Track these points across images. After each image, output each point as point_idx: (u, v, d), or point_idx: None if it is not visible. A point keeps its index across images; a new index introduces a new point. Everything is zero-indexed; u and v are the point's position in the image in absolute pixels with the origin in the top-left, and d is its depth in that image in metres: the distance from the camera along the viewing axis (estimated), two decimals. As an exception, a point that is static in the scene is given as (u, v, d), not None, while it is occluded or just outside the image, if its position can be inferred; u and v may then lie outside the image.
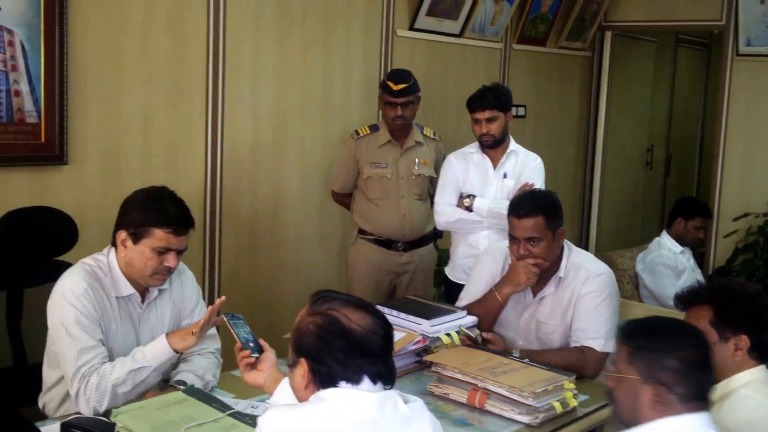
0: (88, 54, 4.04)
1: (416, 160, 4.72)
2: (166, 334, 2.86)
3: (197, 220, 2.98)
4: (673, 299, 2.73)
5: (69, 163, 4.00)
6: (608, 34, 7.60)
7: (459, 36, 6.08)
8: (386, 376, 1.98)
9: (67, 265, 3.14)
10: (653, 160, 8.92)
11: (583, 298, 3.36)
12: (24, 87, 3.79)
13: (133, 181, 4.15)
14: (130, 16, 4.20)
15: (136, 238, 2.83)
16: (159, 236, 2.81)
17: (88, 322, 2.77)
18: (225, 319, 2.67)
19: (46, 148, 3.90)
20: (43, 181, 3.95)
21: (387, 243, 4.71)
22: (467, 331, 3.31)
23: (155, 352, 2.80)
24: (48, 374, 2.95)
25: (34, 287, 3.30)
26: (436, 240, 4.94)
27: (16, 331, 3.29)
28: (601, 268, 3.45)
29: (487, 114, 4.35)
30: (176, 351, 2.82)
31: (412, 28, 5.70)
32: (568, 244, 3.47)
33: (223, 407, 2.67)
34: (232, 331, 2.62)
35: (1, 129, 3.74)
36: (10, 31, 3.73)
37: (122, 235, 2.85)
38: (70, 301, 2.77)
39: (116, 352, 2.86)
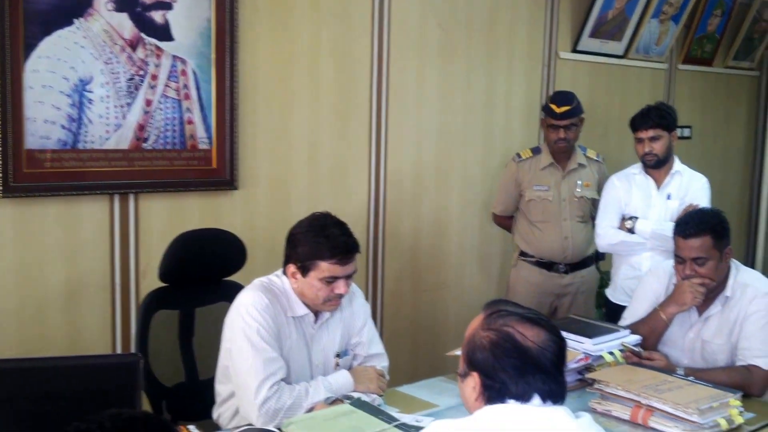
0: (257, 82, 4.17)
1: (579, 182, 4.67)
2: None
3: (361, 241, 3.03)
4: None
5: (239, 188, 4.13)
6: (777, 53, 7.28)
7: (622, 57, 6.01)
8: (557, 394, 1.93)
9: (236, 286, 3.26)
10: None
11: (751, 317, 3.28)
12: (196, 115, 3.93)
13: (300, 205, 4.27)
14: (297, 45, 4.32)
15: (305, 270, 2.92)
16: (324, 268, 2.89)
17: (269, 336, 2.86)
18: None
19: (217, 173, 4.03)
20: (214, 205, 4.08)
21: (549, 265, 4.68)
22: (631, 346, 3.28)
23: (340, 385, 2.95)
24: (221, 388, 3.05)
25: (205, 306, 3.41)
26: (598, 262, 4.86)
27: (188, 348, 3.39)
28: (769, 286, 3.36)
29: (651, 133, 4.25)
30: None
31: (574, 50, 5.68)
32: (735, 263, 3.39)
33: (389, 419, 2.74)
34: None
35: (174, 155, 3.91)
36: (183, 61, 3.88)
37: (291, 268, 2.96)
38: (253, 315, 2.86)
39: (290, 368, 2.94)
